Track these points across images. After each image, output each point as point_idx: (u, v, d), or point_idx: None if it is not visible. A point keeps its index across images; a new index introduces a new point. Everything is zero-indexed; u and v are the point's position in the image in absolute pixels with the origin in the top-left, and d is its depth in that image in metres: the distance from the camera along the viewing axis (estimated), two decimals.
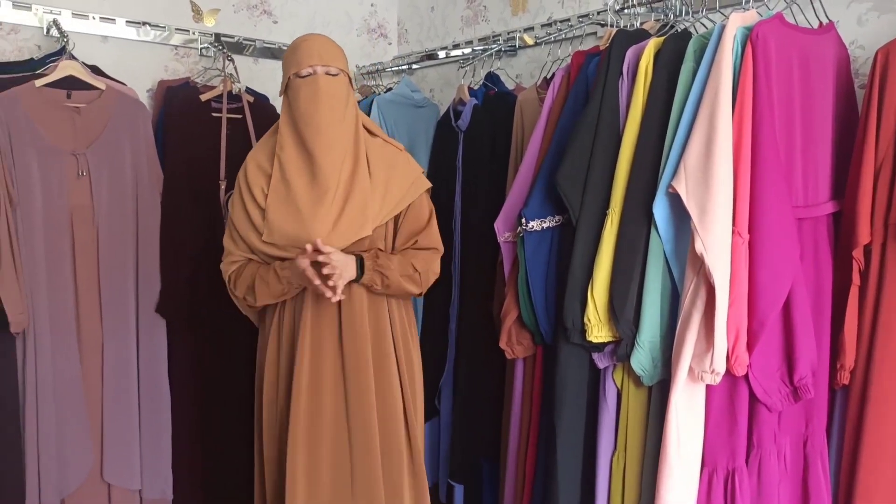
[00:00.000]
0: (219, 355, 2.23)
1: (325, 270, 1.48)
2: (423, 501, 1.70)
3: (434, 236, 1.71)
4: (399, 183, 1.65)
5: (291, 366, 1.61)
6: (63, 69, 1.98)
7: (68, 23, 2.21)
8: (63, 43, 2.08)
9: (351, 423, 1.60)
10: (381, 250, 1.63)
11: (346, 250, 1.56)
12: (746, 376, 1.47)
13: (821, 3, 1.60)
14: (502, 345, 1.86)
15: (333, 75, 1.57)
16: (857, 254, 1.48)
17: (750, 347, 1.45)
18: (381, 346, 1.64)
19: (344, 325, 1.60)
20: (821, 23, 1.60)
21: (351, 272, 1.54)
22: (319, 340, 1.60)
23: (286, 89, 1.60)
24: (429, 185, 1.72)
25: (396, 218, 1.67)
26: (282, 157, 1.59)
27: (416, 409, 1.72)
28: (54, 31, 2.12)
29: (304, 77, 1.56)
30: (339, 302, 1.57)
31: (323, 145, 1.55)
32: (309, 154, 1.56)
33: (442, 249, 1.74)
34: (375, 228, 1.61)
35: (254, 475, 1.78)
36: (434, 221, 1.73)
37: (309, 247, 1.48)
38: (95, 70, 2.11)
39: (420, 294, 1.72)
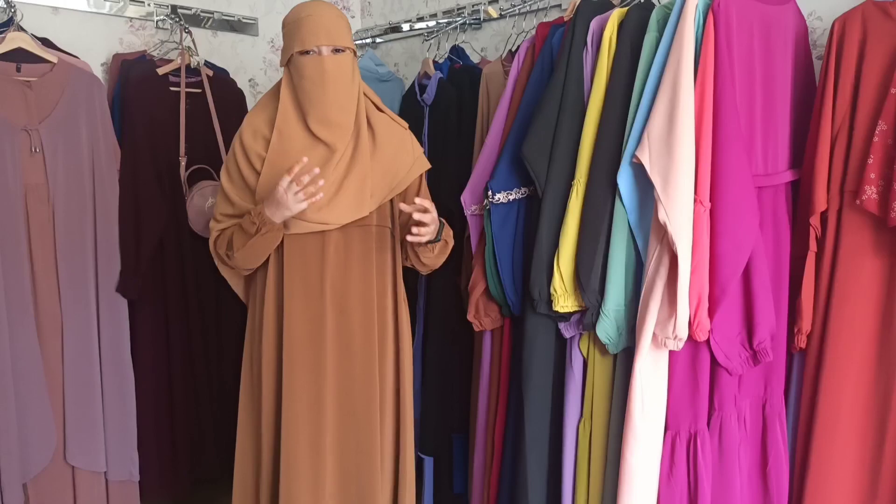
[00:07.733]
0: (185, 334, 2.20)
1: (417, 230, 1.47)
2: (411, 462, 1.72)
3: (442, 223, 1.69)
4: (403, 163, 1.62)
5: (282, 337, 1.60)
6: (11, 41, 1.90)
7: None
8: (10, 14, 1.99)
9: (354, 391, 1.61)
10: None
11: (347, 226, 1.56)
12: (708, 342, 1.51)
13: None
14: (470, 318, 1.87)
15: (340, 51, 1.51)
16: (815, 221, 1.53)
17: (711, 313, 1.48)
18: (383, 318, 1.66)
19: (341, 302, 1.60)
20: None
21: (434, 232, 1.54)
22: (317, 314, 1.58)
23: (287, 62, 1.54)
24: (428, 166, 1.70)
25: (396, 198, 1.65)
26: (284, 132, 1.54)
27: (408, 375, 1.73)
28: (0, 2, 2.03)
29: (308, 55, 1.50)
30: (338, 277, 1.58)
31: (328, 129, 1.52)
32: (313, 135, 1.53)
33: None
34: (381, 207, 1.60)
35: (230, 452, 1.75)
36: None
37: (297, 167, 1.43)
38: (46, 43, 2.03)
39: (428, 271, 1.74)
